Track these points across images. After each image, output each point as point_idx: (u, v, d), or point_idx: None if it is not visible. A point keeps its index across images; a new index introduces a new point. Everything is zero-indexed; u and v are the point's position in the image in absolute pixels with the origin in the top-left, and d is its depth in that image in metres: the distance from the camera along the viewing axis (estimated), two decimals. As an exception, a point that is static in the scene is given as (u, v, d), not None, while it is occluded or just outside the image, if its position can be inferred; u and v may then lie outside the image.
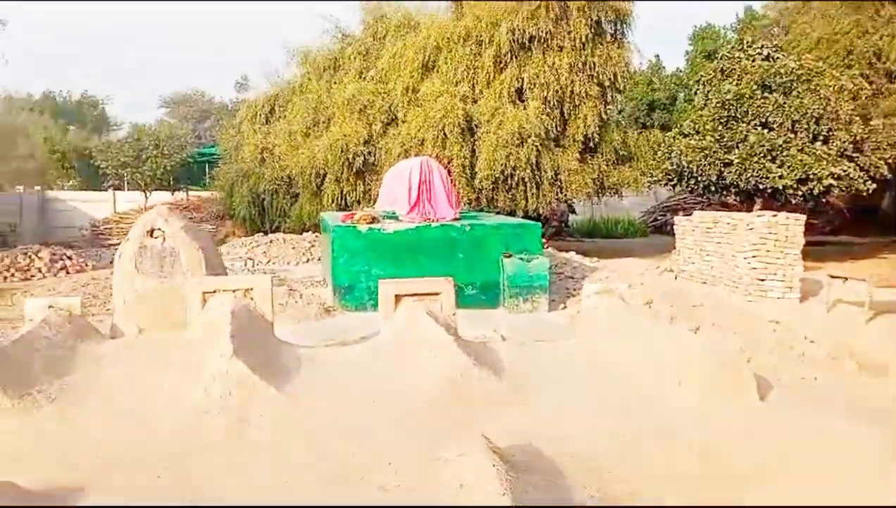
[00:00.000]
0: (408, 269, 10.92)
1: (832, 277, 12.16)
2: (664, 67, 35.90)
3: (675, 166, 17.74)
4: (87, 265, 15.91)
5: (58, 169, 34.26)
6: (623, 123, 32.43)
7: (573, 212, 28.25)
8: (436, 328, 5.97)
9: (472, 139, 18.55)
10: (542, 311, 10.95)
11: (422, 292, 6.52)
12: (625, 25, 20.21)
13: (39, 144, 35.50)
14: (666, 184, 18.91)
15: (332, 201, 19.33)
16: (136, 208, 26.49)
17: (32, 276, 14.80)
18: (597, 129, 19.12)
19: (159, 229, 6.40)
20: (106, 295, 10.61)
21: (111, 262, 18.73)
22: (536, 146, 18.10)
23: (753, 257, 13.04)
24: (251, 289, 6.43)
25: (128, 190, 29.19)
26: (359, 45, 22.56)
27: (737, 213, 14.56)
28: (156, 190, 27.04)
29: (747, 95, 17.70)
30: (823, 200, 18.20)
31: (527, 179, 18.27)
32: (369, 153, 19.40)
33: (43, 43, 76.38)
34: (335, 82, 21.70)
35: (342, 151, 19.01)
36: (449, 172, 14.59)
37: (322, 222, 14.36)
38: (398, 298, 6.49)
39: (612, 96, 20.09)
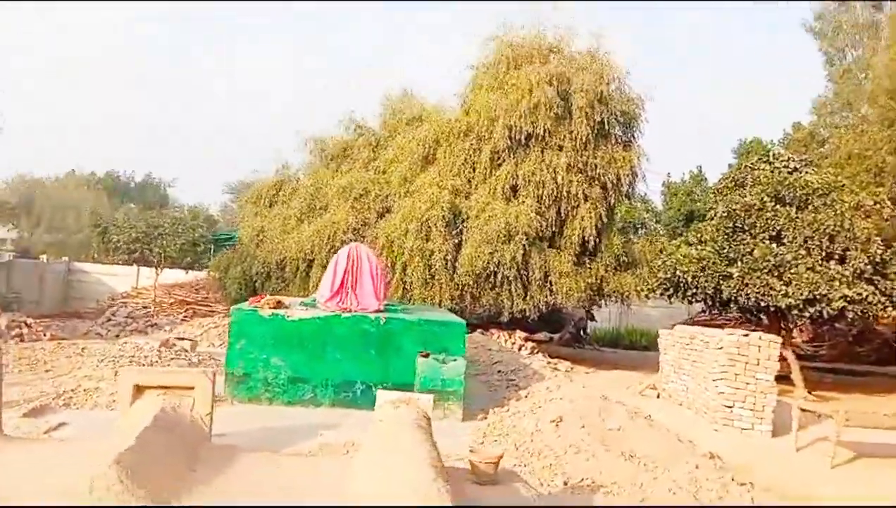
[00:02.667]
0: (314, 361, 10.10)
1: (802, 410, 10.61)
2: (706, 179, 34.78)
3: (669, 276, 16.45)
4: (44, 335, 15.63)
5: (98, 243, 34.99)
6: (660, 231, 31.45)
7: (592, 319, 26.83)
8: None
9: (458, 233, 17.81)
10: (454, 419, 9.82)
11: (172, 384, 5.60)
12: (633, 128, 19.49)
13: (86, 219, 36.73)
14: (662, 294, 17.56)
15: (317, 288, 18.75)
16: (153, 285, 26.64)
17: (-19, 341, 14.56)
18: (595, 232, 18.11)
19: None
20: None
21: (85, 333, 18.62)
22: (524, 245, 17.22)
23: (721, 380, 11.61)
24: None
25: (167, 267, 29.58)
26: (370, 136, 22.53)
27: (712, 330, 13.16)
28: (171, 268, 27.17)
29: (756, 207, 16.46)
30: (836, 323, 16.50)
31: (512, 279, 17.30)
32: (357, 242, 18.85)
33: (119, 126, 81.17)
34: (342, 171, 21.56)
35: (329, 238, 18.58)
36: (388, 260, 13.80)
37: None
38: (139, 389, 5.59)
39: (615, 199, 19.10)
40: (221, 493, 4.60)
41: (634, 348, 27.00)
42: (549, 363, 17.68)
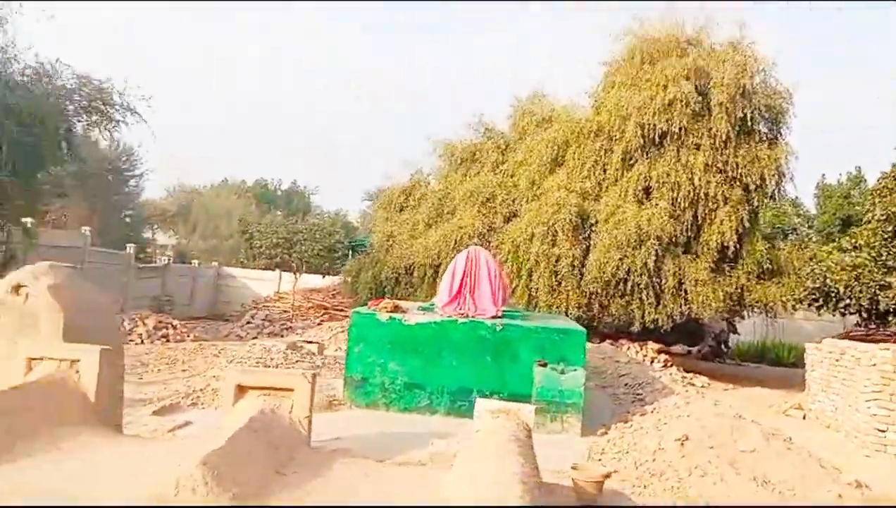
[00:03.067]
0: (430, 368, 9.96)
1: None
2: (865, 180, 31.81)
3: (818, 285, 15.08)
4: (188, 336, 16.56)
5: (245, 249, 36.96)
6: (813, 237, 29.18)
7: (734, 332, 25.19)
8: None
9: (586, 238, 17.22)
10: (572, 433, 9.36)
11: (274, 385, 5.55)
12: (779, 124, 18.08)
13: (235, 226, 38.92)
14: (810, 305, 16.14)
15: (439, 293, 18.77)
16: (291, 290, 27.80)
17: (131, 341, 15.62)
18: (735, 237, 16.92)
19: (25, 285, 6.10)
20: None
21: (226, 335, 19.60)
22: (656, 250, 16.36)
23: (874, 400, 10.42)
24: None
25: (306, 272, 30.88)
26: (499, 138, 22.33)
27: (865, 345, 11.85)
28: (309, 272, 28.21)
29: (921, 208, 14.82)
30: None
31: (643, 286, 16.49)
32: (485, 247, 18.72)
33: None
34: (471, 175, 21.50)
35: (455, 243, 18.50)
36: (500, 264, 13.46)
37: None
38: (242, 389, 5.58)
39: (759, 202, 17.76)
40: (309, 495, 4.52)
41: (781, 364, 25.02)
42: (683, 377, 16.72)
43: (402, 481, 5.00)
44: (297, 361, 11.24)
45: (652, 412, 10.23)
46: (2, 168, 13.76)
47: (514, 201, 19.29)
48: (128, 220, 43.30)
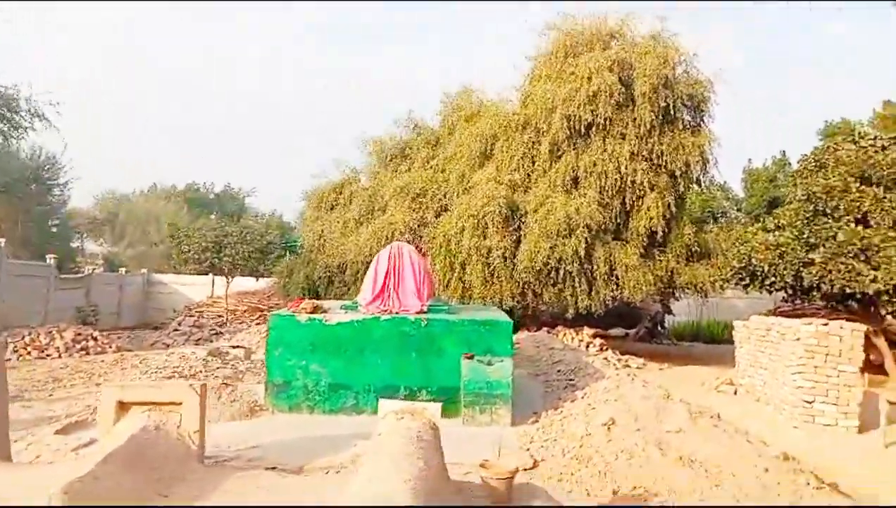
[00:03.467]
0: (353, 366, 9.69)
1: (892, 403, 9.51)
2: (790, 164, 32.77)
3: (744, 264, 15.35)
4: (109, 347, 15.89)
5: (176, 254, 35.91)
6: (741, 219, 29.89)
7: (669, 313, 25.61)
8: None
9: (516, 229, 17.18)
10: (503, 423, 9.21)
11: (159, 400, 5.22)
12: (702, 112, 18.39)
13: (166, 231, 37.76)
14: (736, 284, 16.43)
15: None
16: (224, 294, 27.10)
17: (49, 355, 14.92)
18: (663, 222, 17.13)
19: None
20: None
21: (152, 344, 18.92)
22: (586, 238, 16.43)
23: (800, 373, 10.63)
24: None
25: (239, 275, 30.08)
26: (429, 134, 22.16)
27: (789, 320, 12.10)
28: (242, 275, 27.54)
29: (840, 188, 15.20)
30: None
31: (575, 274, 16.54)
32: (416, 242, 18.51)
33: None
34: (401, 172, 21.26)
35: (387, 240, 18.22)
36: (424, 255, 13.32)
37: None
38: (125, 406, 5.23)
39: (685, 187, 18.04)
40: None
41: (716, 341, 25.62)
42: (619, 359, 16.88)
43: (297, 491, 4.73)
44: (217, 367, 10.84)
45: (582, 397, 10.18)
46: None
47: (444, 196, 19.16)
48: (54, 229, 41.74)
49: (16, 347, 14.74)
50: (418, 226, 18.76)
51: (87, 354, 15.34)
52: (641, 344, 23.58)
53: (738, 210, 32.89)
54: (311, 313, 9.81)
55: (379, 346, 9.70)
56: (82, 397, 10.21)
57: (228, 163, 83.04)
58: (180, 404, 5.19)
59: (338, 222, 20.74)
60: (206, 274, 29.71)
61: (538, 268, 16.44)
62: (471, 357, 9.53)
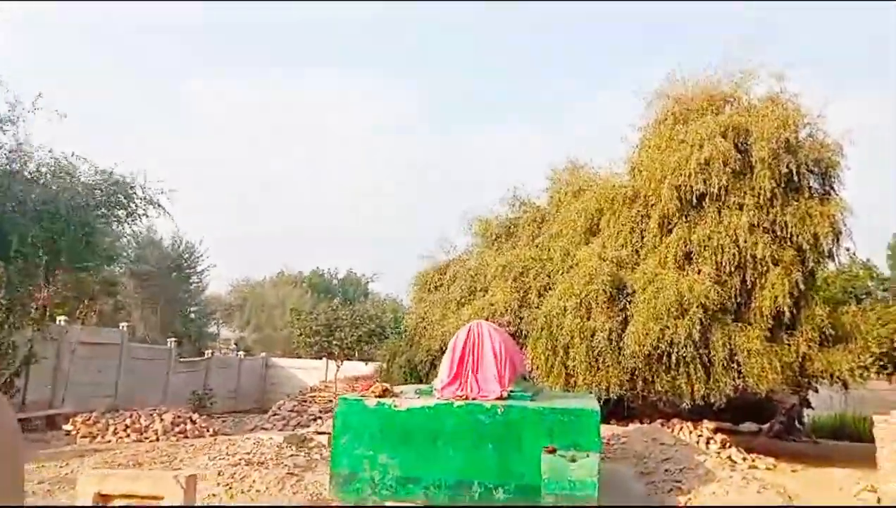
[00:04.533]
0: (424, 458, 8.87)
1: None
2: (950, 233, 29.44)
3: (885, 350, 13.41)
4: (207, 431, 15.85)
5: (296, 338, 36.64)
6: (889, 300, 26.91)
7: (808, 406, 22.99)
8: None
9: (622, 309, 15.96)
10: (588, 531, 8.03)
11: (138, 492, 4.62)
12: (830, 178, 16.73)
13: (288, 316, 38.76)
14: (878, 372, 14.36)
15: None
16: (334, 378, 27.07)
17: (147, 438, 15.02)
18: (790, 301, 15.38)
19: None
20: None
21: (252, 429, 18.82)
22: (700, 319, 14.95)
23: (961, 483, 8.74)
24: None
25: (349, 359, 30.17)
26: (535, 212, 21.53)
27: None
28: (354, 359, 27.47)
29: None
30: None
31: (689, 359, 15.03)
32: (516, 323, 17.65)
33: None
34: (505, 250, 20.63)
35: (487, 320, 17.45)
36: (516, 337, 12.35)
37: None
38: (107, 498, 4.66)
39: (815, 262, 16.24)
40: None
41: (863, 440, 22.63)
42: (745, 459, 15.00)
43: None
44: (290, 455, 10.31)
45: (685, 503, 8.82)
46: (12, 263, 13.64)
47: (548, 275, 18.26)
48: (192, 315, 44.00)
49: (115, 429, 14.96)
50: (520, 306, 17.91)
51: (186, 437, 15.34)
52: (777, 442, 21.17)
53: (885, 291, 29.70)
54: (381, 396, 9.14)
55: (451, 436, 8.85)
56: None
57: (351, 249, 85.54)
58: (162, 497, 4.61)
59: (440, 303, 20.23)
60: (321, 358, 29.96)
61: (647, 352, 15.08)
62: (553, 451, 8.49)
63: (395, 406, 9.01)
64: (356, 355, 26.18)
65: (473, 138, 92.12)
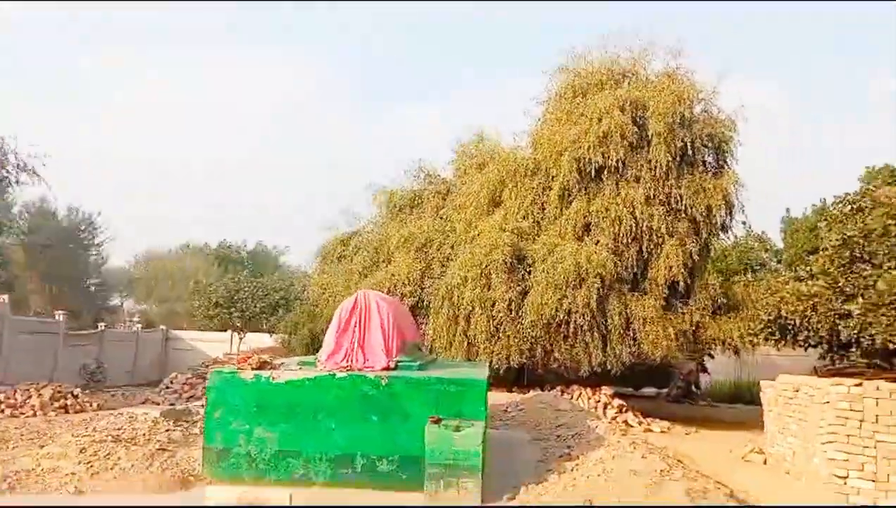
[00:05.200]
0: (304, 431, 8.54)
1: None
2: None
3: (773, 317, 13.85)
4: (90, 405, 15.05)
5: (198, 311, 35.45)
6: (782, 271, 28.04)
7: (704, 371, 23.85)
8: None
9: (522, 280, 15.97)
10: (471, 501, 7.90)
11: None
12: (724, 153, 17.12)
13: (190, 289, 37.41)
14: (766, 339, 14.87)
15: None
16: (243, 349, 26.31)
17: (23, 413, 14.12)
18: (685, 271, 15.73)
19: None
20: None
21: (143, 402, 17.99)
22: (598, 288, 15.12)
23: (830, 442, 9.09)
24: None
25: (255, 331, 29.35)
26: (440, 184, 21.29)
27: (819, 380, 10.57)
28: (258, 331, 26.79)
29: (879, 232, 13.70)
30: None
31: (587, 328, 15.21)
32: (418, 294, 17.47)
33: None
34: (410, 222, 20.34)
35: (389, 292, 17.19)
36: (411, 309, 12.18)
37: None
38: None
39: (708, 234, 16.64)
40: None
41: (755, 403, 23.66)
42: (640, 423, 15.38)
43: None
44: (166, 430, 9.76)
45: (572, 469, 8.83)
46: None
47: (451, 246, 18.14)
48: (91, 289, 41.95)
49: (-11, 404, 13.99)
50: (422, 277, 17.72)
51: (66, 412, 14.53)
52: (675, 405, 21.86)
53: (779, 262, 31.04)
54: (258, 369, 8.73)
55: (334, 408, 8.56)
56: (6, 462, 9.11)
57: (260, 220, 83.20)
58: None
59: (342, 274, 19.81)
60: (225, 331, 29.08)
61: (546, 321, 15.18)
62: (437, 422, 8.31)
63: (272, 379, 8.63)
64: (264, 327, 25.47)
65: (387, 116, 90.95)
